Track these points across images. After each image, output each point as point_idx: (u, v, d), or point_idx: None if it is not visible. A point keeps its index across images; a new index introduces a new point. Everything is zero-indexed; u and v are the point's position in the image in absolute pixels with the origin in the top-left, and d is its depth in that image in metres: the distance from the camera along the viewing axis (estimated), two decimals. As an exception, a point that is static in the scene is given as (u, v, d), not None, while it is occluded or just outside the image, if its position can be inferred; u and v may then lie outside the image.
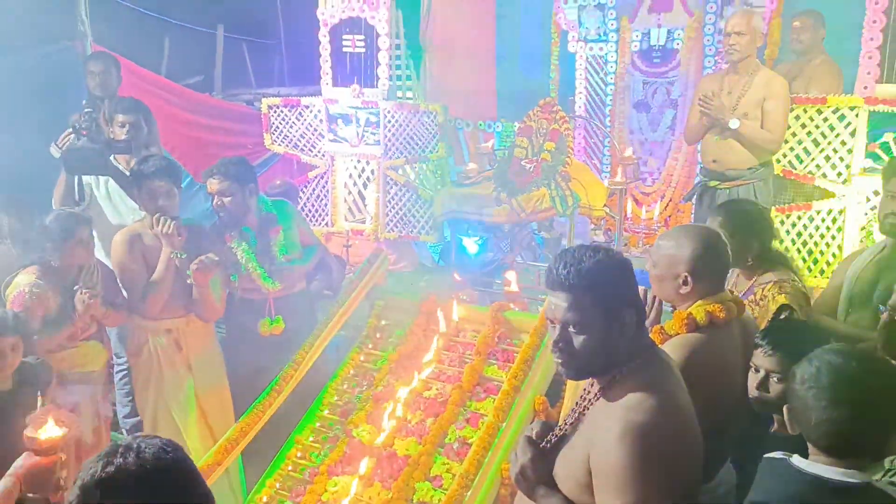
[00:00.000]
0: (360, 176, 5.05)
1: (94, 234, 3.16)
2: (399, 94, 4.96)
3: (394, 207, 4.90)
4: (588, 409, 1.55)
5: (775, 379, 1.96)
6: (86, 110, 3.19)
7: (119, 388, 3.62)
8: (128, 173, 3.38)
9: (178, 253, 3.11)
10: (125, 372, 3.56)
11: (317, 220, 5.09)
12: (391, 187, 4.90)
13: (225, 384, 3.33)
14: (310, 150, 5.08)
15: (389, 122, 4.78)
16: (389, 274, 3.70)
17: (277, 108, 5.08)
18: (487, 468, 2.66)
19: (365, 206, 5.07)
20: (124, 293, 3.20)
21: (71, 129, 3.22)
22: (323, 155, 5.06)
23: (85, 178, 3.46)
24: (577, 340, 1.50)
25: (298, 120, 5.04)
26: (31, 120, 4.15)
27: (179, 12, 5.71)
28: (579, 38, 5.76)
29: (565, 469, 1.52)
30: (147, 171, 3.09)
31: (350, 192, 5.13)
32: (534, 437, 1.60)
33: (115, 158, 3.35)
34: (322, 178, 5.10)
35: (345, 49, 4.87)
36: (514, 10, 6.75)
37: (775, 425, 2.01)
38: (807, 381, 1.47)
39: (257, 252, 3.33)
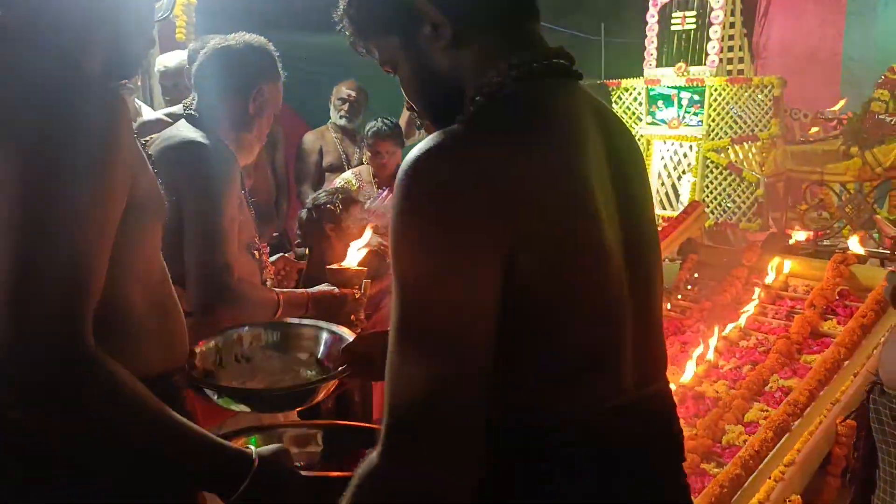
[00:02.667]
0: (676, 165, 4.78)
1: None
2: (730, 67, 4.63)
3: (713, 192, 4.54)
4: None
5: None
6: None
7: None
8: None
9: None
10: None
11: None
12: (711, 171, 4.55)
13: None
14: (626, 134, 4.96)
15: (715, 99, 4.47)
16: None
17: (595, 89, 5.05)
18: (809, 420, 2.23)
19: (678, 198, 4.78)
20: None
21: None
22: (639, 138, 4.89)
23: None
24: None
25: (616, 104, 4.96)
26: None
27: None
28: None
29: None
30: None
31: (664, 184, 4.88)
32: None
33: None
34: (636, 163, 4.93)
35: (673, 27, 4.70)
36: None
37: None
38: None
39: None
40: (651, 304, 0.96)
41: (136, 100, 3.73)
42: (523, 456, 0.87)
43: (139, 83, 3.72)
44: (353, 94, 4.19)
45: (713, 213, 4.53)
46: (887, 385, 1.33)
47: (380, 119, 3.46)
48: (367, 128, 3.49)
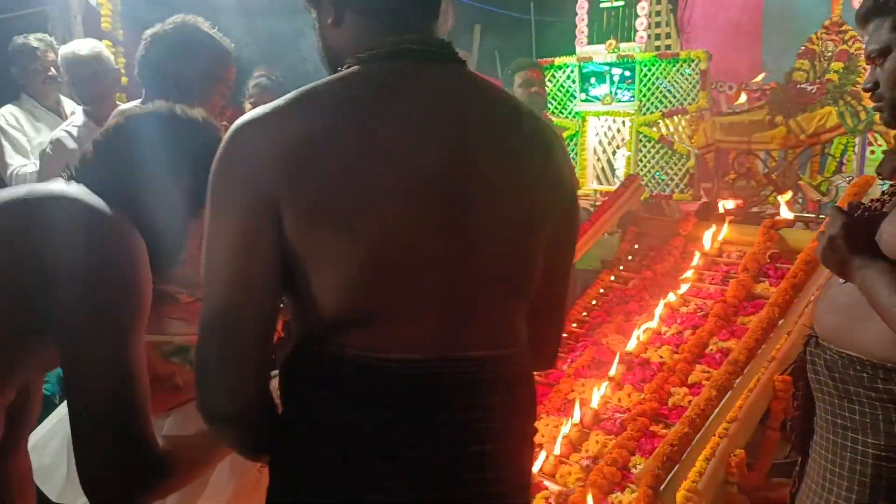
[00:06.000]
0: (611, 140, 4.90)
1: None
2: (658, 43, 4.76)
3: (646, 165, 4.68)
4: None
5: None
6: None
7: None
8: None
9: None
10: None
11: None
12: (644, 145, 4.69)
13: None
14: (561, 111, 5.04)
15: (645, 74, 4.60)
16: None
17: (532, 69, 5.10)
18: (749, 376, 2.35)
19: (614, 172, 4.91)
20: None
21: None
22: (574, 116, 4.99)
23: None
24: (888, 72, 1.31)
25: (551, 82, 5.03)
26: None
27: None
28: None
29: (895, 224, 1.25)
30: None
31: (599, 159, 5.00)
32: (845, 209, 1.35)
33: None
34: (571, 140, 5.03)
35: (602, 4, 4.79)
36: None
37: None
38: None
39: None
40: (482, 277, 1.02)
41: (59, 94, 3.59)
42: (304, 383, 1.02)
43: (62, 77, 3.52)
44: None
45: (648, 186, 4.67)
46: (821, 338, 1.43)
47: (264, 76, 3.39)
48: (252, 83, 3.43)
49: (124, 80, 3.95)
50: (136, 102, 2.14)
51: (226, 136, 0.98)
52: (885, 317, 1.24)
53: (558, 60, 5.00)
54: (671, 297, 2.87)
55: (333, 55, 1.08)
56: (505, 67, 3.71)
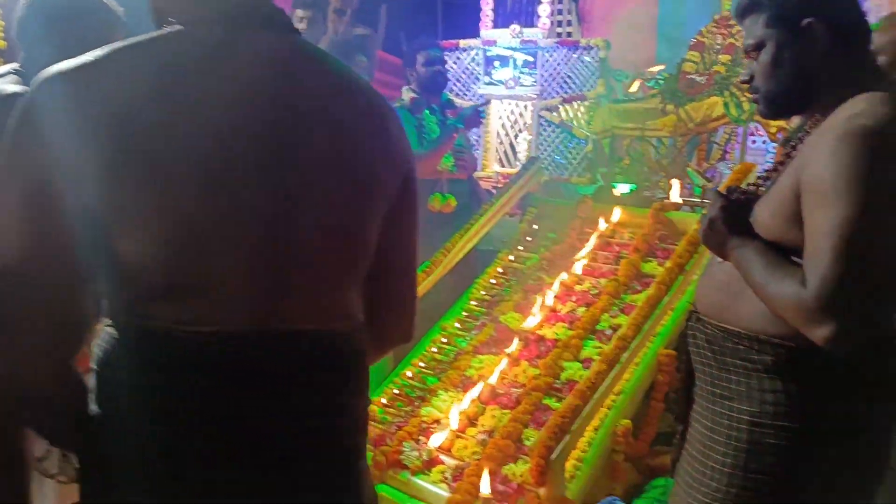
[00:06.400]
0: (513, 124, 4.98)
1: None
2: (559, 30, 4.88)
3: (546, 149, 4.79)
4: (797, 146, 1.35)
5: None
6: None
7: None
8: None
9: None
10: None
11: (467, 164, 5.05)
12: (544, 129, 4.80)
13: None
14: (465, 93, 5.08)
15: (547, 60, 4.70)
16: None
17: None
18: (636, 351, 2.46)
19: (516, 155, 5.00)
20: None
21: None
22: (478, 98, 5.03)
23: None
24: (762, 65, 1.37)
25: (456, 64, 5.06)
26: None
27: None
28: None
29: (769, 206, 1.34)
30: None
31: (502, 142, 5.07)
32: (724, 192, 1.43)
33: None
34: (475, 122, 5.07)
35: (507, -11, 4.85)
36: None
37: None
38: None
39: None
40: (304, 249, 0.99)
41: None
42: (109, 359, 0.97)
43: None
44: None
45: (547, 169, 4.78)
46: (702, 313, 1.52)
47: None
48: None
49: (2, 43, 3.68)
50: (14, 65, 2.00)
51: (32, 85, 0.92)
52: (758, 293, 1.33)
53: (463, 42, 5.04)
54: (566, 276, 2.96)
55: (161, 16, 1.01)
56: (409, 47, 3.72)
